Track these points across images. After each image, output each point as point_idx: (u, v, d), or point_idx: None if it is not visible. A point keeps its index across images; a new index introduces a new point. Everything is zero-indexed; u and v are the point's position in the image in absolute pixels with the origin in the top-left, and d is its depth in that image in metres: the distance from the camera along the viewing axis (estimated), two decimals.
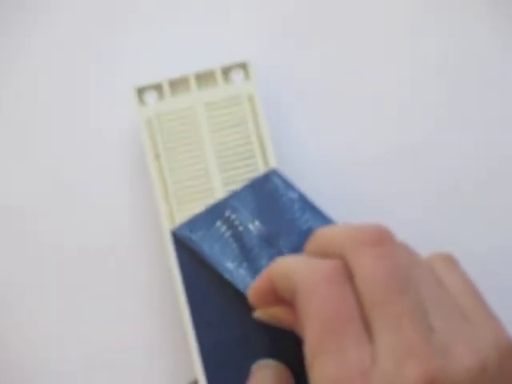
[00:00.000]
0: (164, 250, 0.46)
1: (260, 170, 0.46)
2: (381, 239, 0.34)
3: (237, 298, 0.42)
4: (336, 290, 0.33)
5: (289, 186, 0.45)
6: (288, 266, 0.36)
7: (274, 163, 0.46)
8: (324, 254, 0.36)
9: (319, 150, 0.52)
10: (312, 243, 0.37)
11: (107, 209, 0.51)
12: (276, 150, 0.47)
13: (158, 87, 0.47)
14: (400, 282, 0.33)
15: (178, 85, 0.47)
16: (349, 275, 0.34)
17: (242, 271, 0.43)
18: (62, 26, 0.53)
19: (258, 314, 0.40)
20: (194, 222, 0.44)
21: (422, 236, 0.49)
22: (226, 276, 0.43)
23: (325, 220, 0.44)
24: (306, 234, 0.43)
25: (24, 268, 0.50)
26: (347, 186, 0.51)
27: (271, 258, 0.43)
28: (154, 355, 0.49)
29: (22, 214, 0.51)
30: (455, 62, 0.53)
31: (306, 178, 0.49)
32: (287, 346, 0.41)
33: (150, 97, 0.47)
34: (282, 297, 0.37)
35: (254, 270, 0.43)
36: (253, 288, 0.39)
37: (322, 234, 0.37)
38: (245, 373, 0.43)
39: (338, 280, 0.33)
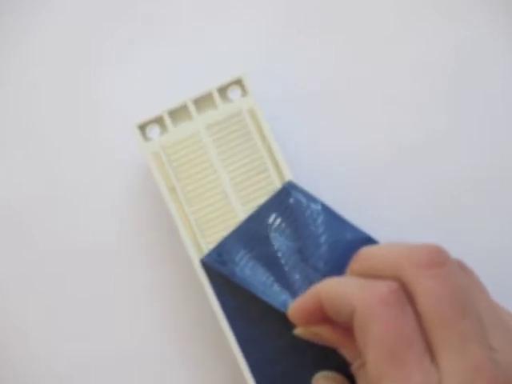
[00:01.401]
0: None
1: (275, 181, 0.46)
2: (440, 260, 0.34)
3: (275, 314, 0.42)
4: (396, 313, 0.33)
5: (310, 197, 0.45)
6: (343, 289, 0.36)
7: (288, 173, 0.46)
8: (375, 275, 0.36)
9: (319, 157, 0.51)
10: (359, 263, 0.37)
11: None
12: None
13: (158, 120, 0.47)
14: (462, 303, 0.33)
15: (177, 114, 0.47)
16: (407, 297, 0.34)
17: (276, 288, 0.43)
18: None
19: (300, 331, 0.40)
20: (222, 248, 0.44)
21: (427, 237, 0.49)
22: (261, 296, 0.43)
23: (351, 229, 0.44)
24: (334, 245, 0.43)
25: (25, 268, 0.51)
26: (349, 193, 0.51)
27: (304, 272, 0.43)
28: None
29: (22, 219, 0.51)
30: (455, 62, 0.52)
31: (305, 184, 0.49)
32: (331, 353, 0.41)
33: (153, 131, 0.46)
34: (328, 317, 0.37)
35: (288, 287, 0.43)
36: (296, 307, 0.39)
37: (370, 255, 0.37)
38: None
39: (398, 303, 0.34)
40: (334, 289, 0.36)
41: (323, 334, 0.38)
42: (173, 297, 0.50)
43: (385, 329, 0.33)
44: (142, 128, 0.46)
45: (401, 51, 0.52)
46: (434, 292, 0.33)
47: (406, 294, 0.34)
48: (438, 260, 0.34)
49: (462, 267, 0.37)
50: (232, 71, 0.49)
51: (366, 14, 0.53)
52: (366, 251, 0.37)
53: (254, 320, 0.44)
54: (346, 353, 0.38)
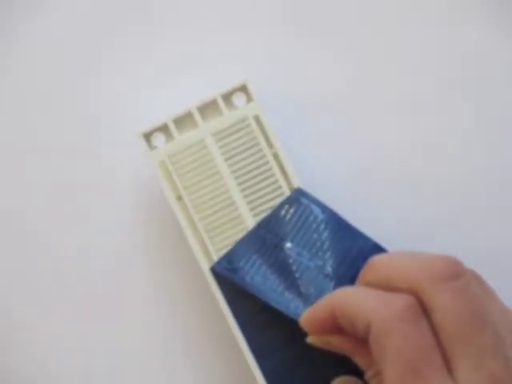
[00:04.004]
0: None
1: (282, 187, 0.45)
2: (456, 272, 0.34)
3: (287, 322, 0.42)
4: (413, 328, 0.33)
5: (319, 204, 0.44)
6: (358, 302, 0.36)
7: (294, 178, 0.46)
8: (390, 287, 0.35)
9: (322, 160, 0.51)
10: (373, 273, 0.37)
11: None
12: None
13: (163, 128, 0.46)
14: (479, 315, 0.33)
15: (183, 121, 0.46)
16: (423, 311, 0.34)
17: (288, 295, 0.43)
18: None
19: (312, 340, 0.40)
20: (231, 255, 0.44)
21: (432, 238, 0.49)
22: (273, 304, 0.43)
23: (360, 237, 0.44)
24: (344, 252, 0.43)
25: (24, 268, 0.51)
26: (352, 195, 0.51)
27: (314, 279, 0.43)
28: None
29: (25, 227, 0.52)
30: (455, 62, 0.52)
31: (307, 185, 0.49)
32: (344, 360, 0.41)
33: (158, 140, 0.46)
34: (341, 326, 0.37)
35: (299, 294, 0.43)
36: (308, 316, 0.39)
37: (384, 265, 0.37)
38: None
39: (414, 318, 0.34)
40: (348, 301, 0.36)
41: (336, 343, 0.38)
42: (183, 302, 0.50)
43: (403, 344, 0.33)
44: (147, 136, 0.46)
45: (401, 53, 0.52)
46: (451, 306, 0.33)
47: (422, 308, 0.34)
48: (454, 273, 0.34)
49: (475, 277, 0.37)
50: (234, 76, 0.48)
51: (367, 17, 0.52)
52: (379, 261, 0.37)
53: (265, 327, 0.44)
54: (360, 361, 0.38)
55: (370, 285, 0.37)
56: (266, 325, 0.44)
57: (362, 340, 0.36)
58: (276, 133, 0.46)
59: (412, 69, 0.52)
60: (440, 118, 0.52)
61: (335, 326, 0.37)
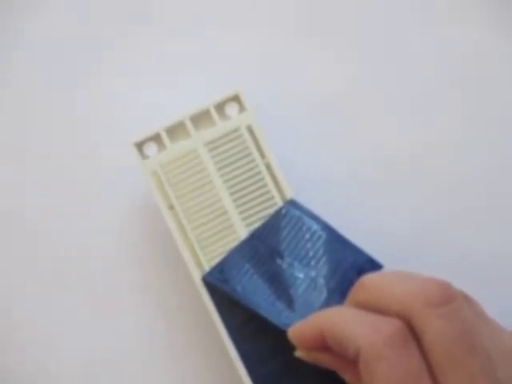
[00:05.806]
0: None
1: (275, 197, 0.45)
2: (447, 297, 0.34)
3: (277, 332, 0.43)
4: (402, 353, 0.33)
5: (312, 216, 0.44)
6: (347, 327, 0.35)
7: (287, 189, 0.45)
8: (378, 308, 0.35)
9: (321, 163, 0.51)
10: (362, 293, 0.37)
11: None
12: None
13: (156, 138, 0.46)
14: (470, 340, 0.33)
15: (175, 131, 0.46)
16: (413, 336, 0.34)
17: (278, 306, 0.43)
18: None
19: (301, 354, 0.40)
20: (223, 265, 0.44)
21: (432, 238, 0.49)
22: (262, 314, 0.43)
23: (353, 249, 0.44)
24: (336, 264, 0.43)
25: (24, 268, 0.52)
26: (352, 199, 0.51)
27: (306, 290, 0.43)
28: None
29: (25, 226, 0.52)
30: (455, 62, 0.52)
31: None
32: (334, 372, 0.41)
33: (151, 149, 0.46)
34: (329, 345, 0.37)
35: (290, 305, 0.43)
36: (297, 333, 0.39)
37: (375, 286, 0.37)
38: None
39: (404, 343, 0.34)
40: (337, 324, 0.36)
41: (324, 360, 0.38)
42: (173, 306, 0.50)
43: (392, 370, 0.33)
44: (139, 146, 0.46)
45: (401, 53, 0.52)
46: (441, 331, 0.33)
47: (412, 331, 0.34)
48: (444, 297, 0.34)
49: (466, 300, 0.37)
50: (234, 76, 0.49)
51: (367, 17, 0.52)
52: (370, 281, 0.37)
53: (256, 336, 0.44)
54: (348, 378, 0.38)
55: (359, 305, 0.37)
56: (256, 334, 0.44)
57: (351, 359, 0.36)
58: (276, 133, 0.46)
59: (412, 69, 0.52)
60: (440, 118, 0.51)
61: (323, 344, 0.37)
